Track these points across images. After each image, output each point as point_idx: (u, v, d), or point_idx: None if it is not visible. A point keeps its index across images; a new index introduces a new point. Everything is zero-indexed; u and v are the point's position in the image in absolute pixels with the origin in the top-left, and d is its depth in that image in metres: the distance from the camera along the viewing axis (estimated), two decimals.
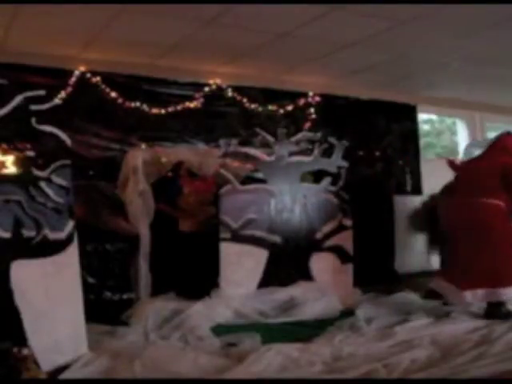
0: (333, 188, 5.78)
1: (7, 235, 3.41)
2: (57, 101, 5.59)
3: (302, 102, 7.25)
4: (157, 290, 5.21)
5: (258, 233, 5.43)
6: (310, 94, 7.30)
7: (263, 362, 3.35)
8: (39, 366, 3.19)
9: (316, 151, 5.76)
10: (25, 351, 3.17)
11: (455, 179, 5.16)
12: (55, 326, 3.52)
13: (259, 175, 5.77)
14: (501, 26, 5.31)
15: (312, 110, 7.28)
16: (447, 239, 5.10)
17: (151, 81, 6.42)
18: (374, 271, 6.32)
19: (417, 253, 7.98)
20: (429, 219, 7.87)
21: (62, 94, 5.82)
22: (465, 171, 5.06)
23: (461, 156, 6.30)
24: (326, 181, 5.79)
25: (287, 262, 5.49)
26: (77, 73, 5.98)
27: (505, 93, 8.07)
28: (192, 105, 6.58)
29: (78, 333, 3.64)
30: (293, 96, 7.20)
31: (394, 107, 7.98)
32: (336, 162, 5.82)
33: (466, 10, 4.88)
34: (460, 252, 4.70)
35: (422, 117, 8.77)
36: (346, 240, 5.75)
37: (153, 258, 5.38)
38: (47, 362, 3.32)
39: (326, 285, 5.45)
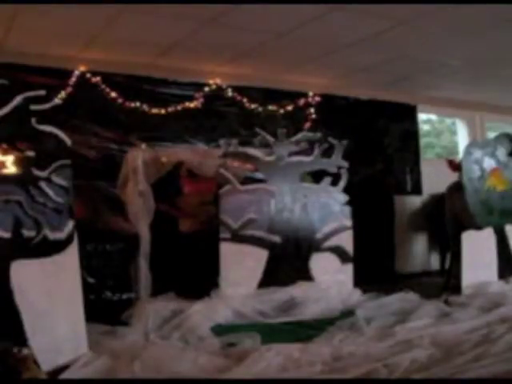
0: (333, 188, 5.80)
1: (7, 235, 3.42)
2: (57, 101, 5.60)
3: (301, 101, 7.25)
4: (157, 290, 5.21)
5: (258, 233, 5.43)
6: (310, 94, 7.30)
7: (263, 362, 3.36)
8: (39, 366, 3.18)
9: (316, 151, 5.76)
10: (25, 351, 3.16)
11: None
12: (55, 326, 3.52)
13: (259, 175, 5.77)
14: (501, 26, 5.31)
15: (312, 110, 7.28)
16: None
17: (151, 81, 6.42)
18: (374, 271, 6.33)
19: (417, 253, 7.99)
20: (429, 219, 7.90)
21: (62, 94, 5.82)
22: None
23: (461, 156, 6.29)
24: (326, 181, 5.79)
25: (287, 262, 5.49)
26: (77, 73, 5.98)
27: (505, 93, 8.07)
28: (192, 105, 6.58)
29: (77, 333, 3.64)
30: (293, 96, 7.20)
31: (394, 107, 7.98)
32: (336, 162, 5.82)
33: (466, 10, 4.88)
34: None
35: (421, 117, 8.78)
36: (346, 240, 5.75)
37: (153, 258, 5.38)
38: (47, 361, 3.32)
39: (325, 285, 5.45)
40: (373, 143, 7.75)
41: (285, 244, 5.53)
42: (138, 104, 6.27)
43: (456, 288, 5.57)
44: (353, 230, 5.79)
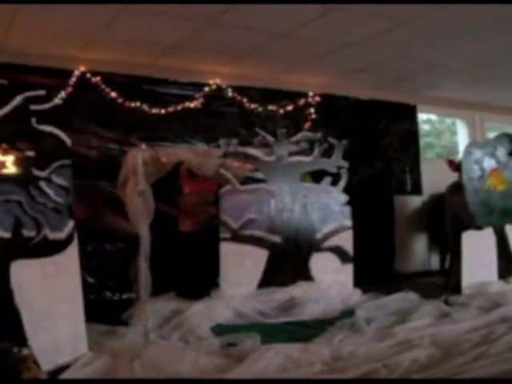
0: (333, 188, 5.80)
1: (7, 235, 3.41)
2: (57, 101, 5.59)
3: (301, 101, 7.24)
4: (157, 290, 5.21)
5: (258, 233, 5.43)
6: (310, 94, 7.30)
7: (263, 361, 3.35)
8: (39, 366, 3.19)
9: (316, 151, 5.76)
10: (25, 351, 3.16)
11: None
12: (55, 326, 3.52)
13: (259, 175, 5.77)
14: (501, 26, 5.31)
15: (312, 110, 7.28)
16: None
17: (151, 81, 6.42)
18: (374, 271, 6.33)
19: (417, 253, 7.99)
20: (429, 219, 7.90)
21: (62, 94, 5.82)
22: None
23: (461, 156, 6.29)
24: (326, 181, 5.79)
25: (287, 262, 5.49)
26: (77, 73, 5.98)
27: (504, 93, 8.06)
28: (192, 105, 6.58)
29: (78, 333, 3.64)
30: (293, 96, 7.20)
31: (394, 107, 7.97)
32: (336, 162, 5.82)
33: (465, 10, 4.88)
34: None
35: (421, 117, 8.77)
36: (346, 240, 5.75)
37: (153, 258, 5.38)
38: (47, 362, 3.32)
39: (325, 285, 5.45)
40: (373, 143, 7.75)
41: (285, 244, 5.53)
42: (138, 104, 6.27)
43: (456, 288, 5.56)
44: (353, 230, 5.80)
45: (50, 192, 3.60)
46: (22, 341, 3.27)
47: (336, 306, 5.06)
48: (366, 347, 3.70)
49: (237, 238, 5.33)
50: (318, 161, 5.76)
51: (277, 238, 5.50)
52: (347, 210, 5.80)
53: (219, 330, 4.33)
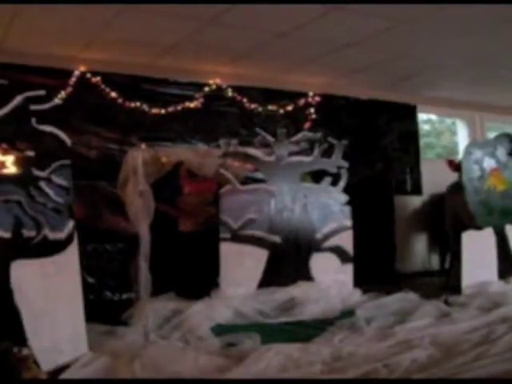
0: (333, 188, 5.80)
1: (7, 235, 3.42)
2: (57, 101, 5.60)
3: (301, 101, 7.24)
4: (157, 290, 5.21)
5: (258, 233, 5.43)
6: (310, 94, 7.30)
7: (263, 361, 3.35)
8: (39, 366, 3.19)
9: (316, 151, 5.76)
10: (25, 351, 3.16)
11: None
12: (55, 326, 3.52)
13: (259, 175, 5.77)
14: (501, 26, 5.31)
15: (312, 110, 7.28)
16: None
17: (151, 81, 6.42)
18: (374, 271, 6.33)
19: (417, 253, 7.99)
20: (429, 219, 7.90)
21: (62, 94, 5.82)
22: None
23: (461, 156, 6.29)
24: (326, 181, 5.79)
25: (287, 262, 5.49)
26: (77, 73, 5.98)
27: (504, 93, 8.07)
28: (192, 105, 6.58)
29: (78, 333, 3.64)
30: (293, 96, 7.20)
31: (394, 107, 7.97)
32: (336, 162, 5.82)
33: (465, 10, 4.88)
34: None
35: (422, 117, 8.77)
36: (346, 240, 5.75)
37: (153, 258, 5.38)
38: (47, 362, 3.31)
39: (325, 285, 5.45)
40: (373, 143, 7.76)
41: (285, 244, 5.53)
42: (137, 104, 6.27)
43: (456, 288, 5.57)
44: (353, 230, 5.80)
45: (50, 192, 3.60)
46: (22, 341, 3.27)
47: (336, 306, 5.06)
48: (366, 347, 3.70)
49: (237, 238, 5.33)
50: (317, 161, 5.76)
51: (277, 238, 5.50)
52: (347, 209, 5.80)
53: (219, 330, 4.33)
